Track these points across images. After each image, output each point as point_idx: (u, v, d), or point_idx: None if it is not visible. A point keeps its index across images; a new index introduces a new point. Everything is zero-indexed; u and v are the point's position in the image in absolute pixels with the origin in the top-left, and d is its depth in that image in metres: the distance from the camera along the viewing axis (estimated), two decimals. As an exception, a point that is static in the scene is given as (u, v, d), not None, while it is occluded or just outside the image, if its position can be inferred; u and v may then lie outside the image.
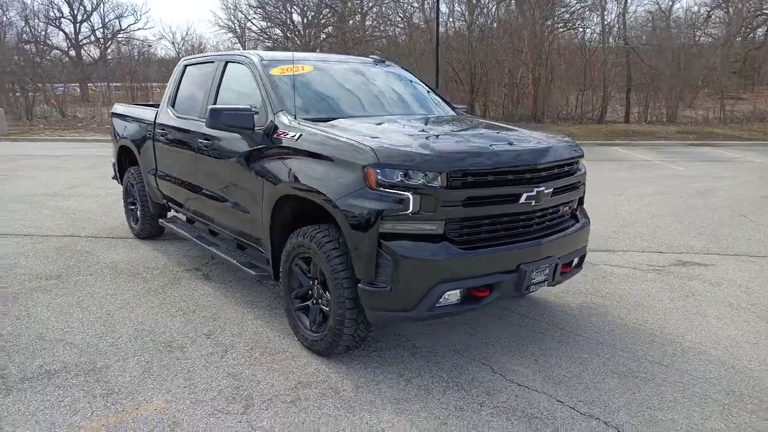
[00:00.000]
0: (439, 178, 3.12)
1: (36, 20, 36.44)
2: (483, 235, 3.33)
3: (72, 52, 39.67)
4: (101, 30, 42.17)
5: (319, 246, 3.44)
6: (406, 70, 5.30)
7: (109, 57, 39.41)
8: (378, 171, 3.13)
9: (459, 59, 22.04)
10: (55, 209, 7.99)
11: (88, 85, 35.12)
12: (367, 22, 32.95)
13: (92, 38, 42.31)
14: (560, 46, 24.49)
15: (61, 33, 40.42)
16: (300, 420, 3.00)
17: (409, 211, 3.10)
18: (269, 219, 3.89)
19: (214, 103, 4.70)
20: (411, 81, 5.13)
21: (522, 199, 3.34)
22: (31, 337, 3.94)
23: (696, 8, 28.44)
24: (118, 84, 29.58)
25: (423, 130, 3.78)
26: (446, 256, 3.16)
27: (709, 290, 4.94)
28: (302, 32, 35.19)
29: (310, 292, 3.72)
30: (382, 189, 3.13)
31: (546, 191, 3.45)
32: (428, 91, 5.13)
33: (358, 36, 28.54)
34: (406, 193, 3.10)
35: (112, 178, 7.13)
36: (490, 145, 3.40)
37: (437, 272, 3.15)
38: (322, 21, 35.13)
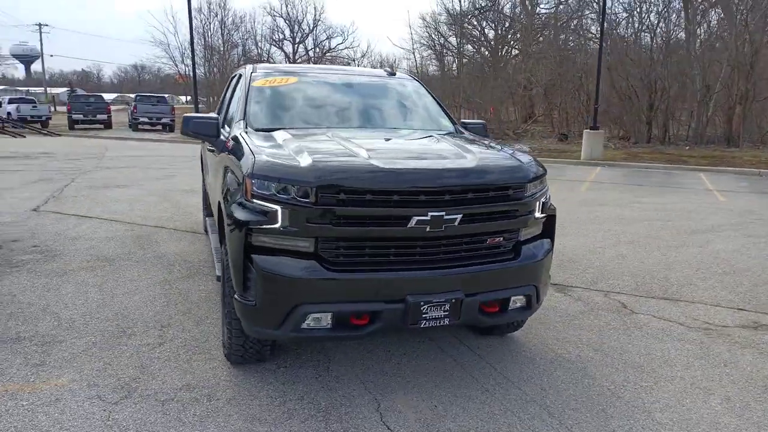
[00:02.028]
0: (310, 193, 2.95)
1: (264, 42, 42.96)
2: (365, 258, 3.06)
3: (290, 69, 45.15)
4: (313, 50, 47.83)
5: (226, 253, 3.47)
6: (417, 83, 5.03)
7: (318, 74, 44.04)
8: (253, 182, 3.07)
9: (635, 74, 19.91)
10: (174, 203, 9.13)
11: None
12: (561, 36, 31.83)
13: (306, 57, 47.96)
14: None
15: (282, 53, 47.03)
16: (152, 420, 3.05)
17: (278, 225, 2.98)
18: (218, 224, 4.03)
19: (225, 113, 4.99)
20: (414, 95, 4.83)
21: (412, 223, 2.99)
22: (39, 307, 4.59)
23: None
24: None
25: (344, 145, 3.49)
26: (309, 275, 2.96)
27: (757, 363, 3.84)
28: (494, 47, 35.35)
29: (235, 297, 3.76)
30: (254, 200, 3.06)
31: (449, 217, 3.04)
32: (433, 107, 4.78)
33: (532, 50, 27.46)
34: (275, 206, 2.98)
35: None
36: (384, 163, 3.09)
37: (298, 292, 2.97)
38: (517, 36, 34.79)
